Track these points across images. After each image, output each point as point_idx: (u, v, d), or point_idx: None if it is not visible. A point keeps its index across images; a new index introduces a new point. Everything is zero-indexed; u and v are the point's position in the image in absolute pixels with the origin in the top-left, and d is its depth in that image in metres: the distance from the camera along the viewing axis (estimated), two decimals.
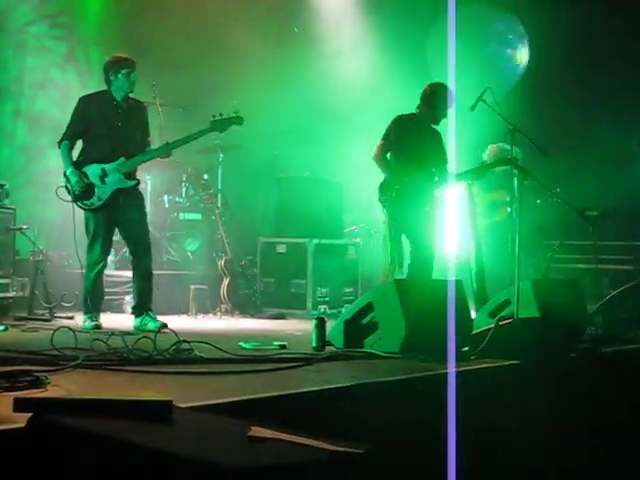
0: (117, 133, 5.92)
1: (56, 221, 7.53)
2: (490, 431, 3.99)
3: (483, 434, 3.91)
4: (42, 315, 6.39)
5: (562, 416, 4.46)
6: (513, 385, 4.34)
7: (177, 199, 8.34)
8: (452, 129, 6.59)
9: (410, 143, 6.49)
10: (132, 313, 6.02)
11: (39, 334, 5.30)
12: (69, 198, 5.89)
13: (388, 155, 6.52)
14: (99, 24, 8.59)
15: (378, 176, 6.58)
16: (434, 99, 6.60)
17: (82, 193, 5.81)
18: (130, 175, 5.96)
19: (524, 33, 10.88)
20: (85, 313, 5.95)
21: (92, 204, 5.84)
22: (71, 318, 6.35)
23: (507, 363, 4.46)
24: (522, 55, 11.00)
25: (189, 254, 8.18)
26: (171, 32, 8.50)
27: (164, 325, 5.48)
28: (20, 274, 6.93)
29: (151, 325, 5.63)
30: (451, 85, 6.69)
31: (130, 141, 5.96)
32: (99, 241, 5.89)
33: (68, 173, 5.83)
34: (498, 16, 10.79)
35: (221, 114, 5.94)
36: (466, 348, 4.73)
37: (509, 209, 8.61)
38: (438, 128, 6.79)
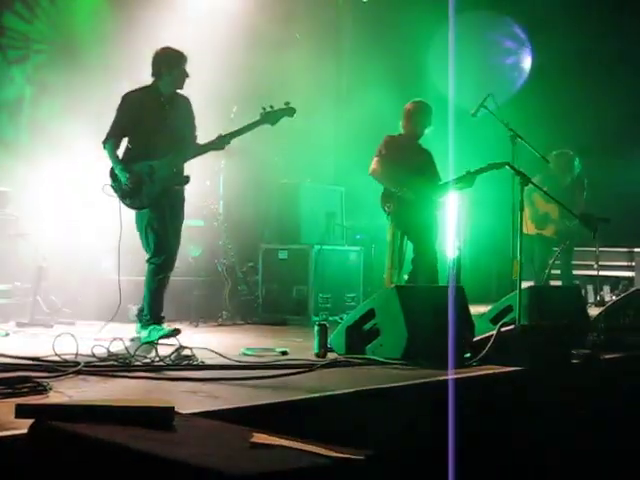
0: (166, 128, 5.58)
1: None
2: (491, 438, 3.98)
3: (484, 441, 3.90)
4: (44, 321, 6.39)
5: (564, 422, 4.45)
6: (515, 392, 4.33)
7: None
8: (451, 137, 6.63)
9: (403, 159, 6.69)
10: (137, 318, 5.68)
11: (40, 340, 5.30)
12: (115, 196, 5.50)
13: (384, 168, 6.63)
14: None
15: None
16: (413, 116, 6.84)
17: (131, 191, 5.42)
18: (180, 172, 5.61)
19: (526, 39, 10.90)
20: (146, 322, 5.49)
21: (140, 202, 5.45)
22: (72, 324, 6.35)
23: (509, 370, 4.45)
24: (525, 61, 11.03)
25: (191, 260, 8.17)
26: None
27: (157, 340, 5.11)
28: (22, 280, 6.92)
29: (153, 335, 5.31)
30: (452, 91, 6.78)
31: (179, 136, 5.62)
32: (156, 240, 5.49)
33: (117, 171, 5.47)
34: (500, 22, 10.81)
35: (272, 106, 5.54)
36: (468, 354, 4.73)
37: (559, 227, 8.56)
38: (427, 145, 7.00)
